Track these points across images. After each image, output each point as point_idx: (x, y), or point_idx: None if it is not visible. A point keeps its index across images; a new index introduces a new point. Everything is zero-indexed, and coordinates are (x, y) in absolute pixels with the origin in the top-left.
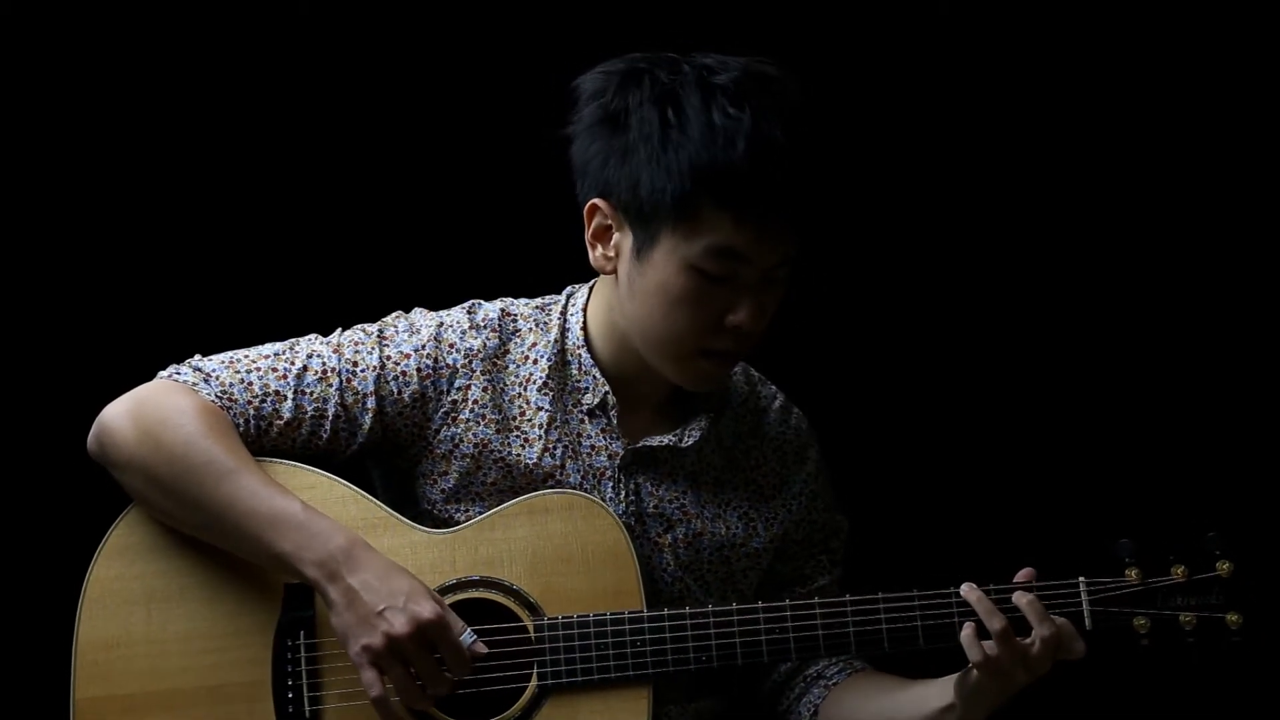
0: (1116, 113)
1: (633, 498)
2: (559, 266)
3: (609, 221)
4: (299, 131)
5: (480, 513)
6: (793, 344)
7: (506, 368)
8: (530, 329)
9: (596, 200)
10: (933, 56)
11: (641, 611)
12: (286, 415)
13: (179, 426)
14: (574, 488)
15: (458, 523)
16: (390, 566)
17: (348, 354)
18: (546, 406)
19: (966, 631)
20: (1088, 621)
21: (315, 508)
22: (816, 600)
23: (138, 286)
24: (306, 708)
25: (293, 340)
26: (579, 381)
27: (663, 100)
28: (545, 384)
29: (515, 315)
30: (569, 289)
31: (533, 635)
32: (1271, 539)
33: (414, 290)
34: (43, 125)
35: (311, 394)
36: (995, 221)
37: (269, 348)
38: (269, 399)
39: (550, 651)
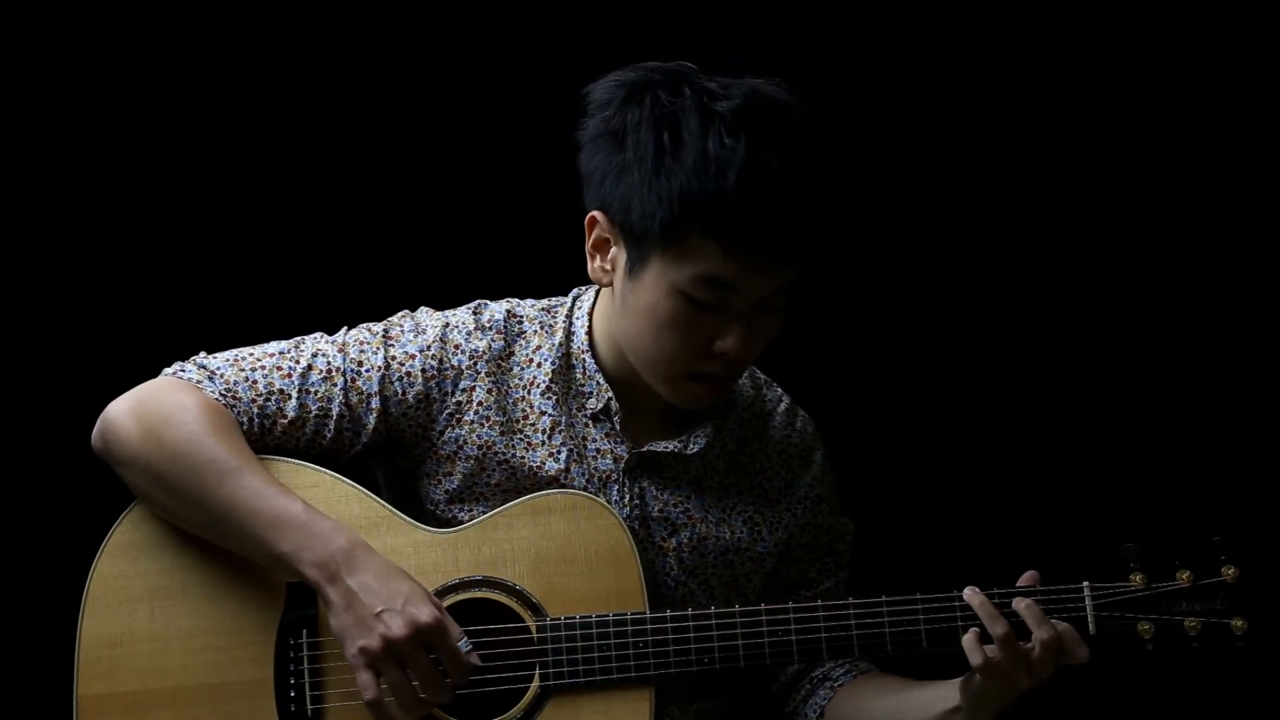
0: (1118, 119)
1: (637, 502)
2: (566, 267)
3: (606, 235)
4: (305, 130)
5: (484, 513)
6: (799, 347)
7: (511, 370)
8: (535, 331)
9: (595, 213)
10: (933, 57)
11: (644, 612)
12: (290, 414)
13: (182, 424)
14: (579, 490)
15: (461, 523)
16: (390, 569)
17: (353, 354)
18: (550, 410)
19: (969, 636)
20: (1092, 626)
21: (317, 508)
22: (820, 603)
23: (143, 284)
24: (308, 706)
25: (298, 339)
26: (583, 385)
27: (660, 123)
28: (549, 387)
29: (521, 317)
30: (575, 291)
31: (535, 635)
32: (1277, 544)
33: (420, 289)
34: (47, 124)
35: (316, 393)
36: (1000, 226)
37: (274, 346)
38: (273, 398)
39: (553, 652)
